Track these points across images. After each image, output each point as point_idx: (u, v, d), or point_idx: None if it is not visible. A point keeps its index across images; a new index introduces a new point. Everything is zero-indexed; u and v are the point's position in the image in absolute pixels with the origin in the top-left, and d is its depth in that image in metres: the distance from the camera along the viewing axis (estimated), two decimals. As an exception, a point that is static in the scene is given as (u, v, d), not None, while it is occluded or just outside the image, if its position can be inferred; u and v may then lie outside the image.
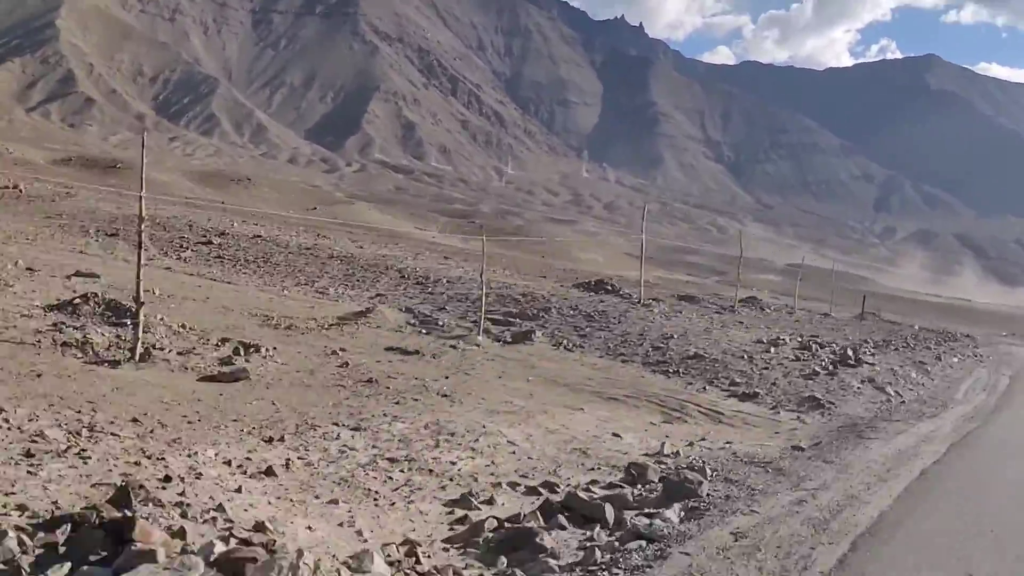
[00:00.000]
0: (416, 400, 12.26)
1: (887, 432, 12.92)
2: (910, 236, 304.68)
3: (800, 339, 22.88)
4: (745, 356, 19.51)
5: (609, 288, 28.53)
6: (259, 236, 36.09)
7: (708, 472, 9.38)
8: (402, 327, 19.83)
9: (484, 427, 10.81)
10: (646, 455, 10.53)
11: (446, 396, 12.79)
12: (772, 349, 20.64)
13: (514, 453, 10.05)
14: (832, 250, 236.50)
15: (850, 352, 21.02)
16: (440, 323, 20.65)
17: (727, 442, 11.80)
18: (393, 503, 7.83)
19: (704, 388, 16.62)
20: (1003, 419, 15.14)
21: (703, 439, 11.97)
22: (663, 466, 9.87)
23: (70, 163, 74.54)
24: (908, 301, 75.00)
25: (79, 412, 8.92)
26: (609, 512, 7.65)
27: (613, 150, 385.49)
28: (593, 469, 9.80)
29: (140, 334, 12.33)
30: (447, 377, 14.49)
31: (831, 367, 19.15)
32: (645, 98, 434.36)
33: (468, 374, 15.14)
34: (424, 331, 19.62)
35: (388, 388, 12.92)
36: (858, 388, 17.44)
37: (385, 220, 66.19)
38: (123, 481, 6.26)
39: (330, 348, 15.68)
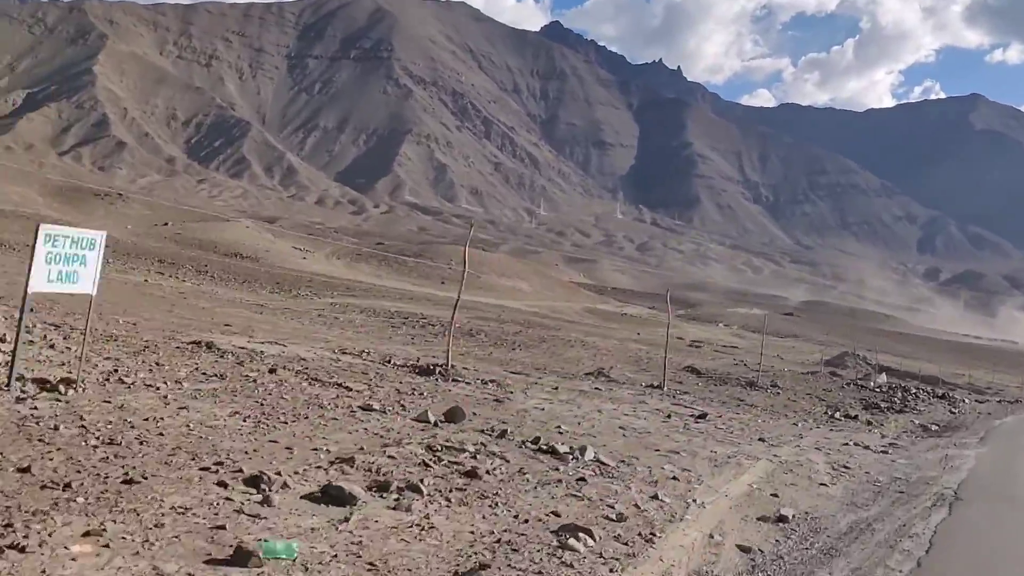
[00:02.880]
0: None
1: None
2: (956, 277, 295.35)
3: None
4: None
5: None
6: None
7: None
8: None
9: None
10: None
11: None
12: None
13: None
14: (871, 291, 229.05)
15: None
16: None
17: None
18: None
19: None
20: None
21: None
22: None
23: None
24: (924, 339, 69.23)
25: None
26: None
27: (649, 192, 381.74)
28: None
29: None
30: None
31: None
32: (682, 140, 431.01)
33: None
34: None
35: None
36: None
37: (260, 239, 61.65)
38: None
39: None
